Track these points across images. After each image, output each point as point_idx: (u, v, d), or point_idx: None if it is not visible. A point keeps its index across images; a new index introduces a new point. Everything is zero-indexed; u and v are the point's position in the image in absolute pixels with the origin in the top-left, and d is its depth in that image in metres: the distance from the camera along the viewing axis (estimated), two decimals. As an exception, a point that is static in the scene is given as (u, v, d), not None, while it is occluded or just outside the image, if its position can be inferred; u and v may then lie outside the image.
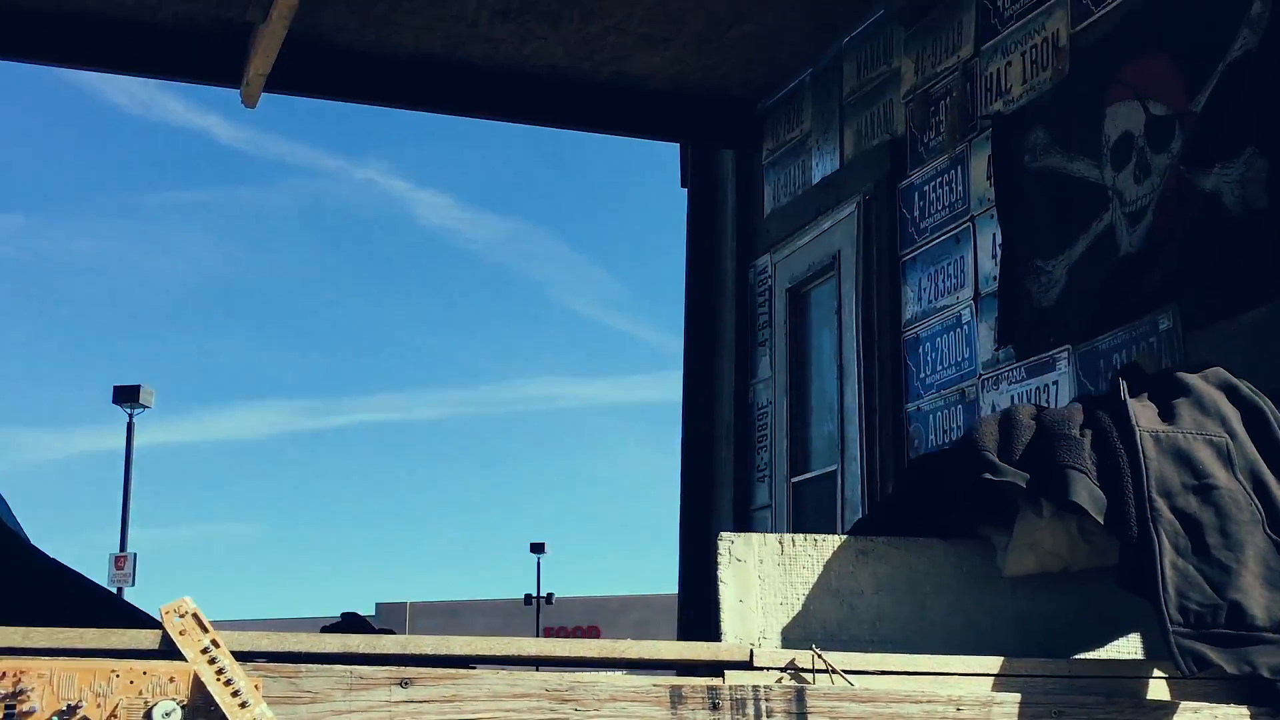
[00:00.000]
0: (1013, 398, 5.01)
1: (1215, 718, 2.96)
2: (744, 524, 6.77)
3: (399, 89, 6.49)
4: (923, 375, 5.57)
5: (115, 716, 2.42)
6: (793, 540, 3.10)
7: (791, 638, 3.04)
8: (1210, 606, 2.89)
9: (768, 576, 3.05)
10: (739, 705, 2.72)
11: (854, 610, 3.07)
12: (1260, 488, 3.04)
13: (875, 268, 5.84)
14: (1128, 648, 3.19)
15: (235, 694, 2.47)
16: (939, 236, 5.50)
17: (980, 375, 5.21)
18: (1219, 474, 3.02)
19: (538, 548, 48.11)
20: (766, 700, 2.73)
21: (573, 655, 2.73)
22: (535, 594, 47.42)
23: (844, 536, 3.14)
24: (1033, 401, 4.88)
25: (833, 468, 6.01)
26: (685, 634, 6.80)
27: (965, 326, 5.32)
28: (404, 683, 2.59)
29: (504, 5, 5.88)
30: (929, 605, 3.12)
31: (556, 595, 48.18)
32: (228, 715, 2.47)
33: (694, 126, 7.03)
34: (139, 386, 29.95)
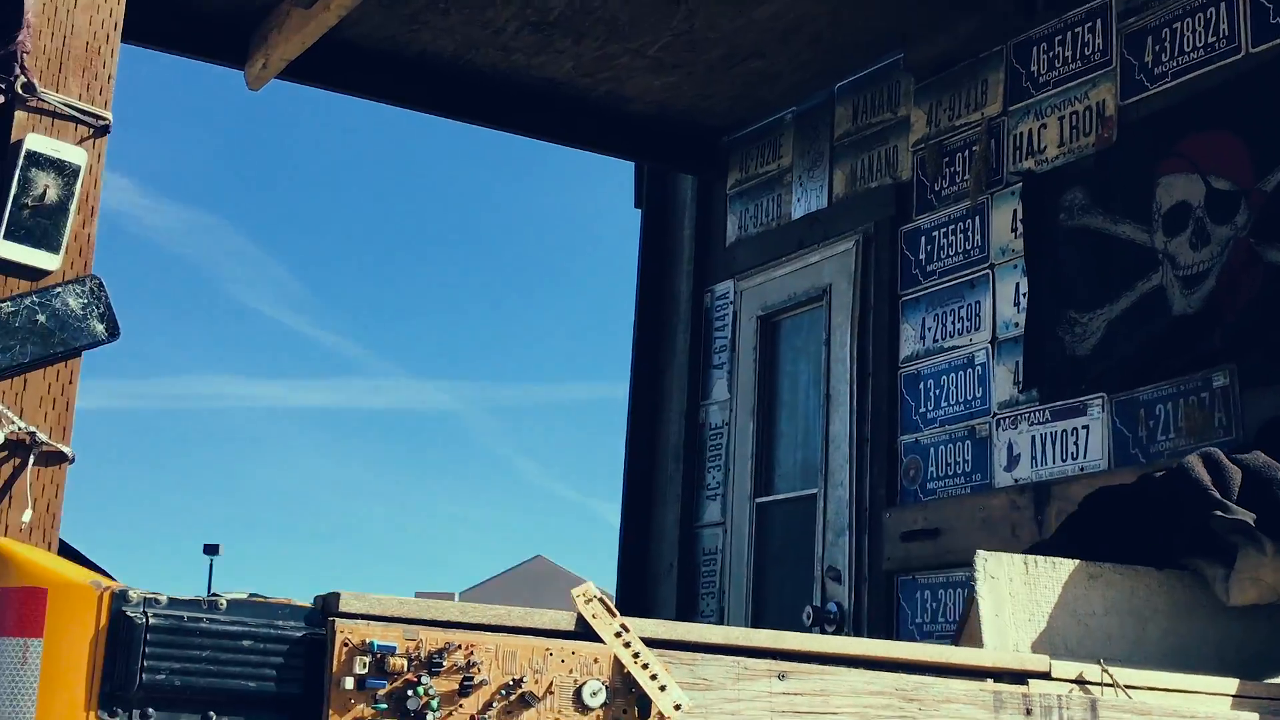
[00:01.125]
0: (1034, 438, 5.35)
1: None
2: (689, 538, 6.97)
3: (392, 85, 6.49)
4: (923, 410, 5.87)
5: (551, 692, 2.50)
6: (1035, 561, 3.33)
7: (1040, 651, 3.26)
8: None
9: (1016, 594, 3.27)
10: (1046, 711, 2.92)
11: (1088, 629, 3.32)
12: None
13: (873, 304, 6.12)
14: (1297, 676, 3.52)
15: (653, 677, 2.58)
16: (950, 280, 5.82)
17: (995, 414, 5.54)
18: None
19: (212, 549, 46.70)
20: (1067, 709, 2.94)
21: (915, 659, 2.89)
22: (206, 596, 45.96)
23: (1076, 561, 3.39)
24: (1063, 441, 5.23)
25: (812, 491, 6.26)
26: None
27: (979, 367, 5.64)
28: (781, 675, 2.72)
29: (539, 18, 5.97)
30: (1148, 628, 3.39)
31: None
32: (650, 696, 2.57)
33: (658, 149, 7.20)
34: None
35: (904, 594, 5.82)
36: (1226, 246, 4.81)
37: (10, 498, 2.51)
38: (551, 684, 2.52)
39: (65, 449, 2.56)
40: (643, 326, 7.37)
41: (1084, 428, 5.19)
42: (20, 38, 2.56)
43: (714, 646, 2.72)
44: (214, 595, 2.38)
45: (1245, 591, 3.37)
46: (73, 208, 2.59)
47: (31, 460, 2.51)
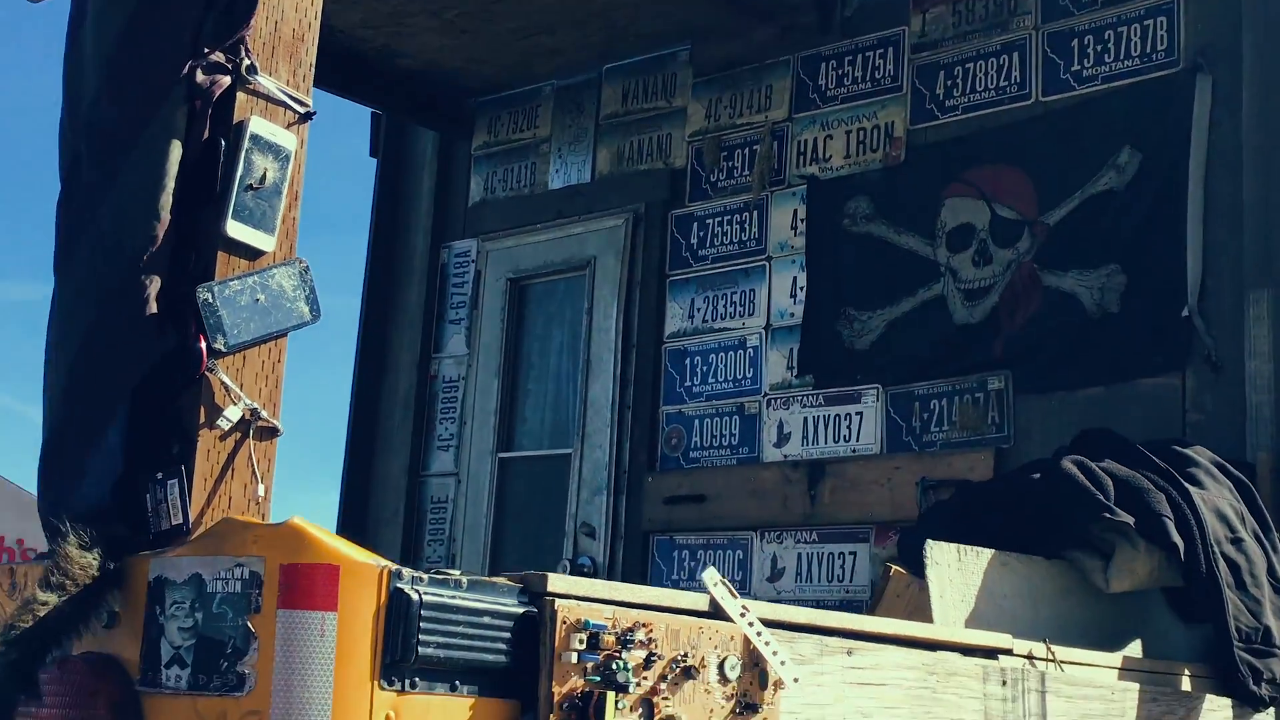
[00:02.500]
0: (806, 419, 5.93)
1: (1226, 706, 4.06)
2: (415, 486, 7.19)
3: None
4: (688, 384, 6.34)
5: (704, 666, 2.82)
6: (965, 551, 3.88)
7: (971, 627, 3.80)
8: (1253, 629, 3.97)
9: (953, 579, 3.80)
10: (1014, 681, 3.48)
11: (1001, 610, 3.89)
12: (1259, 543, 4.17)
13: (640, 280, 6.53)
14: (1135, 650, 4.22)
15: (775, 653, 2.94)
16: (724, 267, 6.31)
17: (766, 394, 6.08)
18: (1242, 529, 4.12)
19: None
20: (1026, 679, 3.51)
21: (935, 639, 3.36)
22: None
23: (992, 551, 3.94)
24: (836, 424, 5.83)
25: (566, 450, 6.62)
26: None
27: (752, 350, 6.16)
28: (849, 651, 3.14)
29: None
30: (1040, 608, 4.00)
31: None
32: (772, 670, 2.93)
33: (401, 102, 7.32)
34: None
35: (660, 553, 6.29)
36: (1009, 268, 5.50)
37: (232, 470, 2.59)
38: (703, 659, 2.83)
39: (278, 424, 2.65)
40: (375, 276, 7.49)
41: (858, 414, 5.80)
42: (252, 21, 2.61)
43: (801, 626, 3.09)
44: (446, 572, 2.56)
45: (1122, 581, 4.01)
46: (285, 190, 2.68)
47: (251, 435, 2.60)
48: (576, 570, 6.39)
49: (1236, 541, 4.10)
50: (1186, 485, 4.14)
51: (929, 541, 3.79)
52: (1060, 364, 5.32)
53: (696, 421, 6.30)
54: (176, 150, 2.55)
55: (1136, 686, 3.82)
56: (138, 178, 2.53)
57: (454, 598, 2.51)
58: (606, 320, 6.60)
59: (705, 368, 6.31)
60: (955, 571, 3.84)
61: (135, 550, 2.51)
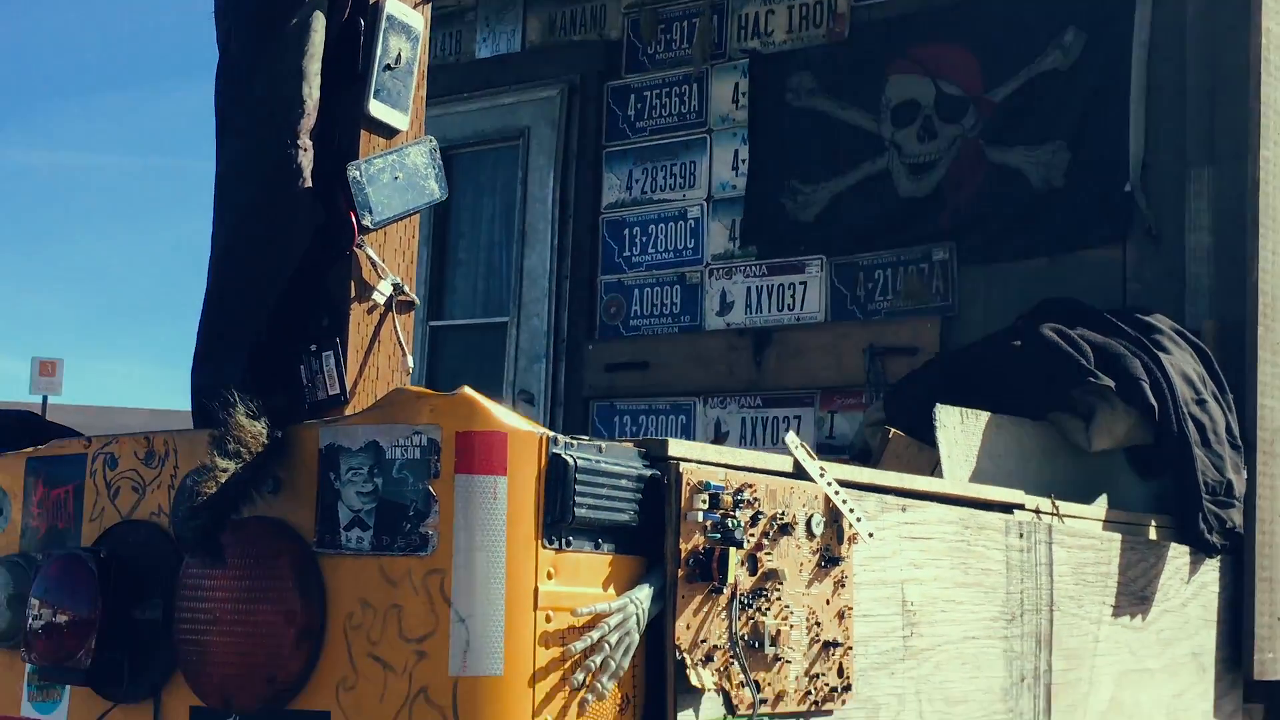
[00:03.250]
0: (750, 289, 6.12)
1: (1185, 553, 4.42)
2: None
3: None
4: (627, 254, 6.48)
5: (795, 523, 3.03)
6: (966, 414, 4.13)
7: (981, 483, 4.06)
8: (1217, 483, 4.31)
9: (958, 440, 4.06)
10: (1028, 534, 3.76)
11: (998, 467, 4.16)
12: (1218, 404, 4.50)
13: (576, 151, 6.63)
14: (1103, 504, 4.53)
15: (851, 510, 3.16)
16: (662, 139, 6.44)
17: (708, 265, 6.25)
18: (1204, 392, 4.45)
19: None
20: (1036, 532, 3.79)
21: (967, 495, 3.61)
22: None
23: (989, 414, 4.20)
24: (780, 293, 6.03)
25: (502, 319, 6.74)
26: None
27: (693, 221, 6.32)
28: (904, 508, 3.38)
29: None
30: (1029, 466, 4.29)
31: None
32: (849, 526, 3.14)
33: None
34: None
35: (600, 417, 6.46)
36: (954, 144, 5.72)
37: (378, 343, 2.68)
38: (794, 516, 3.03)
39: (415, 298, 2.75)
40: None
41: (801, 284, 6.01)
42: (385, -100, 2.66)
43: (865, 485, 3.31)
44: (580, 438, 2.70)
45: (1103, 440, 4.31)
46: (415, 70, 2.75)
47: (394, 309, 2.70)
48: (517, 436, 6.53)
49: (1201, 403, 4.43)
50: (1156, 351, 4.44)
51: (939, 406, 4.03)
52: (1004, 236, 5.58)
53: (636, 291, 6.45)
54: (322, 27, 2.61)
55: (1119, 536, 4.14)
56: (290, 53, 2.58)
57: (599, 462, 2.66)
58: (543, 190, 6.69)
59: (645, 238, 6.46)
60: (959, 433, 4.09)
61: (293, 420, 2.60)
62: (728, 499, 2.83)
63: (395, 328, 2.71)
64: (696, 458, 2.85)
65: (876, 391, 5.55)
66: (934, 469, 3.99)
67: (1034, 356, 4.37)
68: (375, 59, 2.66)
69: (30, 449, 2.97)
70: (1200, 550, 4.44)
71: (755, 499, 2.93)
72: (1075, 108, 5.47)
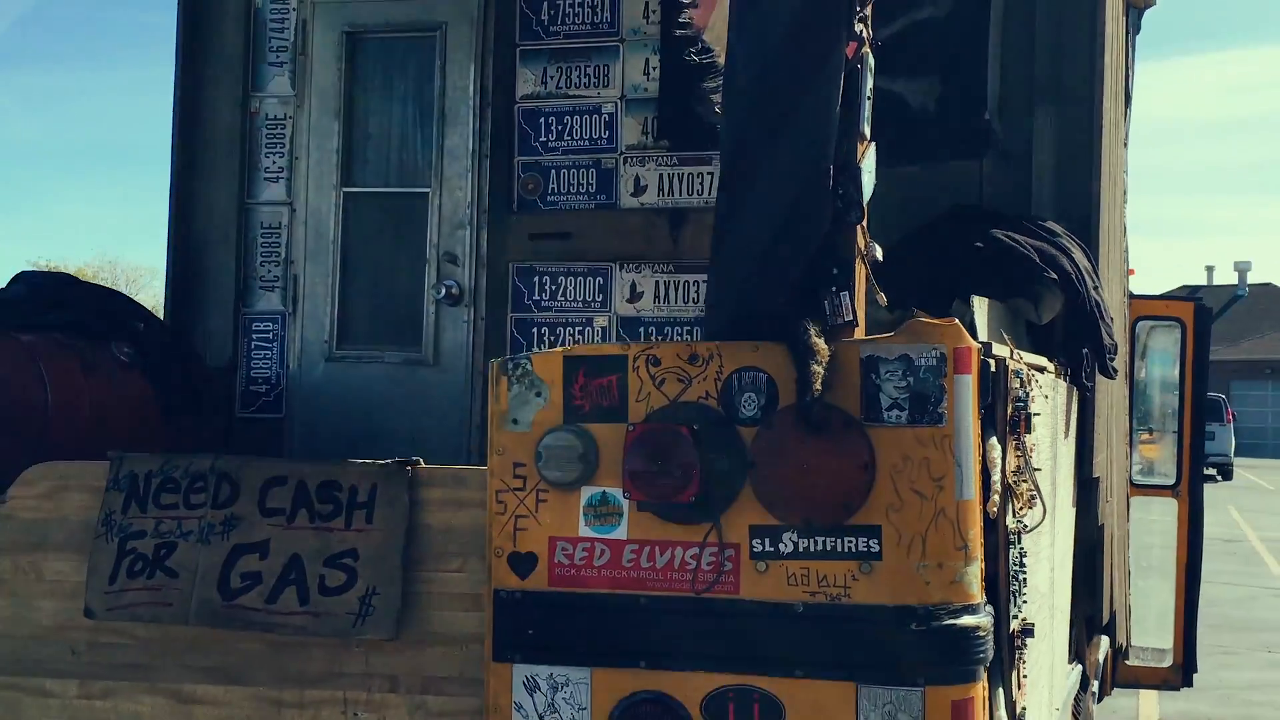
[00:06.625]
0: (662, 175, 7.52)
1: (1065, 389, 6.38)
2: (244, 213, 8.06)
3: None
4: (543, 139, 7.70)
5: (1039, 412, 4.67)
6: (981, 301, 5.84)
7: (988, 351, 5.79)
8: (1112, 345, 6.28)
9: (985, 323, 5.78)
10: (1054, 389, 5.57)
11: (998, 339, 5.91)
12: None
13: (494, 48, 7.71)
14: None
15: (1039, 386, 4.84)
16: (575, 43, 7.64)
17: (622, 153, 7.58)
18: (1096, 279, 6.38)
19: None
20: (1057, 390, 5.62)
21: (1032, 362, 5.34)
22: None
23: (988, 299, 5.92)
24: (690, 181, 7.47)
25: (424, 190, 7.79)
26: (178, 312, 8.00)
27: (607, 116, 7.60)
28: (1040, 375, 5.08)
29: None
30: (1008, 337, 6.06)
31: None
32: (1035, 402, 4.83)
33: None
34: None
35: (521, 279, 7.70)
36: (845, 70, 7.31)
37: (857, 286, 4.07)
38: (1034, 398, 4.65)
39: (878, 254, 4.14)
40: (189, 19, 8.08)
41: (709, 173, 7.46)
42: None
43: (1032, 365, 4.96)
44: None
45: (1047, 315, 6.13)
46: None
47: (866, 263, 4.09)
48: (446, 293, 7.68)
49: (1097, 288, 6.33)
50: (1068, 249, 6.29)
51: (974, 297, 5.70)
52: (887, 148, 7.23)
53: (553, 171, 7.68)
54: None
55: (1052, 378, 6.00)
56: (826, 89, 3.88)
57: (1002, 361, 4.19)
58: (463, 80, 7.74)
59: (560, 127, 7.68)
60: (986, 317, 5.79)
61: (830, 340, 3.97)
62: (1019, 381, 4.43)
63: (870, 276, 4.10)
64: (1004, 355, 4.42)
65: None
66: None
67: (996, 256, 6.11)
68: (863, 92, 4.00)
69: (564, 349, 4.15)
70: (1091, 380, 6.40)
71: (1028, 390, 4.54)
72: (946, 49, 7.18)
